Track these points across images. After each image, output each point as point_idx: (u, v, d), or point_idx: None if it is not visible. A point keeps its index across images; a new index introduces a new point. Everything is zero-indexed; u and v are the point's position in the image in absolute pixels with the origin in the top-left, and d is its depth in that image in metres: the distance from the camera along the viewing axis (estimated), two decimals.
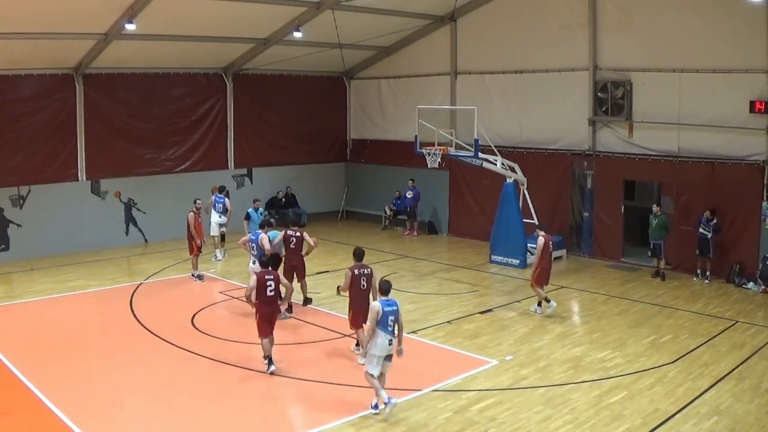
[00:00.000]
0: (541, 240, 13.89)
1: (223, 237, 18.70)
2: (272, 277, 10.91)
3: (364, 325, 10.63)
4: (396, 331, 9.51)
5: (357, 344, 11.59)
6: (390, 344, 9.49)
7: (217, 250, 18.65)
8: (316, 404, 10.01)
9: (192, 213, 16.31)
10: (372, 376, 9.48)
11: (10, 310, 14.35)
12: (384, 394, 9.38)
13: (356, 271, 10.97)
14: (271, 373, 10.74)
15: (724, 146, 16.46)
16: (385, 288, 9.76)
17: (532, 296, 15.07)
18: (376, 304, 9.54)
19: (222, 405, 9.82)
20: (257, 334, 10.91)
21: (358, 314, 11.00)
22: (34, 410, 9.59)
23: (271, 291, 10.79)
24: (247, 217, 17.04)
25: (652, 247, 16.88)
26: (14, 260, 18.17)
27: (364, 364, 10.03)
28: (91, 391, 10.30)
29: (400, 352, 9.54)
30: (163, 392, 10.31)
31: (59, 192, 19.18)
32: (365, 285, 11.01)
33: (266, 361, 10.86)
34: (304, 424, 9.62)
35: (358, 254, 11.14)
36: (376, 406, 9.49)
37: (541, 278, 13.99)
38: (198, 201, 16.89)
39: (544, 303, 14.01)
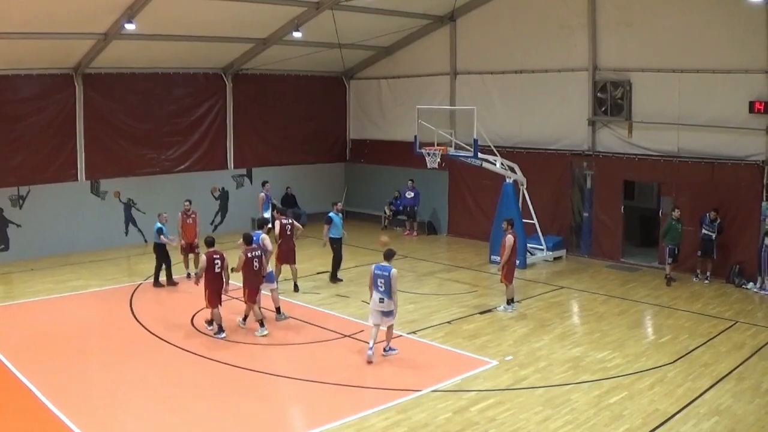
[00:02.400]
0: (510, 238, 14.10)
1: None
2: (219, 256, 12.47)
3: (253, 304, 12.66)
4: (386, 291, 11.20)
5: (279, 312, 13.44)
6: (381, 302, 11.27)
7: None
8: (316, 404, 10.02)
9: (180, 213, 16.48)
10: (372, 325, 11.44)
11: (10, 310, 14.35)
12: (371, 343, 11.34)
13: (249, 254, 12.56)
14: (223, 338, 12.32)
15: (724, 146, 16.47)
16: (385, 255, 11.56)
17: (532, 296, 15.12)
18: (371, 268, 11.43)
19: (222, 405, 9.82)
20: (207, 306, 12.50)
21: (252, 291, 12.68)
22: (34, 410, 9.59)
23: (218, 268, 12.43)
24: (329, 221, 16.26)
25: (677, 252, 16.19)
26: (14, 260, 18.17)
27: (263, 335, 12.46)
28: (91, 391, 10.31)
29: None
30: (163, 392, 10.31)
31: (59, 192, 19.18)
32: (257, 266, 12.61)
33: (218, 329, 12.47)
34: (304, 424, 9.64)
35: (247, 239, 12.95)
36: (371, 348, 11.31)
37: (510, 275, 14.14)
38: (186, 202, 16.86)
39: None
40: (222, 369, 11.14)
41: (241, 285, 12.80)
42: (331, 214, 16.35)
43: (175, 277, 16.10)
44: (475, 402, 9.86)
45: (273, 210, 14.47)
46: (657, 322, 13.75)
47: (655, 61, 17.30)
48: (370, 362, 11.29)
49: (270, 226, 15.98)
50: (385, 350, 11.66)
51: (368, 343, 11.45)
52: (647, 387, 10.35)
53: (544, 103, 19.73)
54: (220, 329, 12.50)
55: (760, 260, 15.41)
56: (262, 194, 19.34)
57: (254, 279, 12.61)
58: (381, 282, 11.25)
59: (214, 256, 12.42)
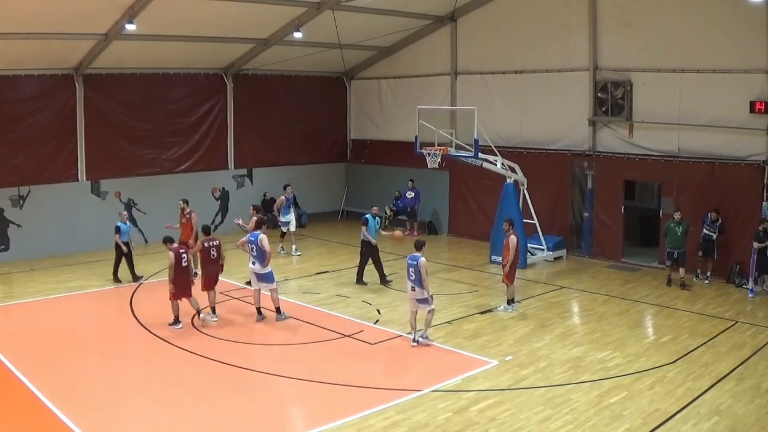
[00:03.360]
0: (514, 239, 14.13)
1: (282, 234, 19.34)
2: (184, 250, 13.12)
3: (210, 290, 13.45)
4: (417, 280, 11.84)
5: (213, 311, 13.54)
6: (413, 290, 11.98)
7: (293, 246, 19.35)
8: (316, 404, 10.01)
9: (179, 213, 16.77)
10: (411, 312, 12.18)
11: (9, 311, 14.36)
12: (414, 333, 12.09)
13: (206, 244, 13.40)
14: (180, 328, 12.76)
15: (724, 146, 16.46)
16: (416, 245, 12.27)
17: (533, 296, 15.12)
18: (425, 261, 11.92)
19: (222, 405, 9.82)
20: (169, 297, 12.88)
21: (209, 279, 13.45)
22: (34, 410, 9.59)
23: (185, 262, 12.84)
24: (365, 222, 16.16)
25: (675, 257, 15.81)
26: (14, 260, 18.18)
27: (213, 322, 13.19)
28: (91, 391, 10.31)
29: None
30: (163, 392, 10.32)
31: (59, 192, 19.19)
32: (215, 255, 13.43)
33: (177, 321, 12.87)
34: (304, 424, 9.63)
35: (206, 230, 13.83)
36: (415, 340, 12.05)
37: (512, 275, 14.18)
38: (180, 201, 17.00)
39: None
40: (222, 369, 11.13)
41: (243, 286, 12.83)
42: (367, 215, 16.18)
43: None
44: (476, 402, 9.85)
45: (262, 225, 13.92)
46: (657, 322, 13.75)
47: (655, 61, 17.29)
48: (414, 345, 12.02)
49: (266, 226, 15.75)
50: (422, 336, 12.12)
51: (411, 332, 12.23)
52: (647, 387, 10.34)
53: (544, 103, 19.72)
54: (177, 322, 12.89)
55: (751, 263, 15.39)
56: (283, 197, 19.24)
57: (211, 267, 13.44)
58: (411, 271, 11.86)
59: (181, 251, 12.93)
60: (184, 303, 13.04)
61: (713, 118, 16.50)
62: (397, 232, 15.51)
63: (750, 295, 15.20)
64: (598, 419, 9.29)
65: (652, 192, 19.24)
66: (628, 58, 17.85)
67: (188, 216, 16.68)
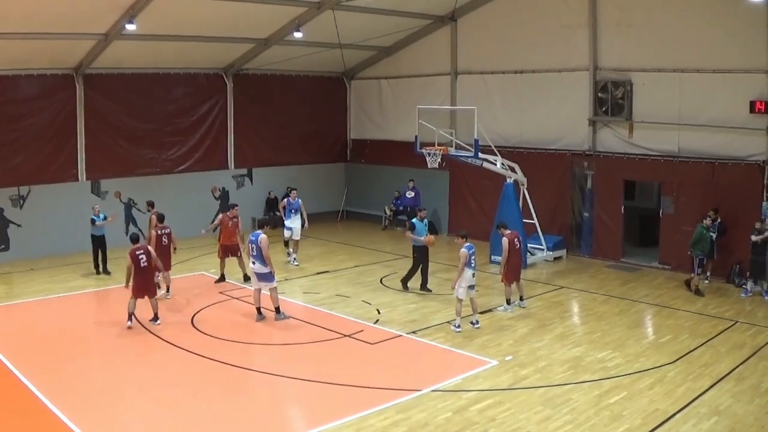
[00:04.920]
0: (505, 240, 14.12)
1: (286, 243, 18.48)
2: (143, 250, 13.16)
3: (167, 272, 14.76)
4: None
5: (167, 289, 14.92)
6: (473, 276, 12.98)
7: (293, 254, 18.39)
8: (316, 404, 10.02)
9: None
10: (460, 301, 12.84)
11: (9, 310, 14.36)
12: (470, 318, 13.07)
13: (158, 232, 14.78)
14: (129, 328, 12.81)
15: (725, 146, 16.46)
16: (464, 235, 13.30)
17: (533, 296, 15.11)
18: (464, 251, 12.82)
19: (222, 405, 9.82)
20: (130, 296, 13.00)
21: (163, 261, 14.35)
22: (34, 410, 9.59)
23: (144, 263, 13.06)
24: (412, 227, 15.62)
25: (705, 262, 15.46)
26: (14, 260, 18.19)
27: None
28: (91, 391, 10.31)
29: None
30: (163, 392, 10.32)
31: (59, 192, 19.19)
32: (166, 241, 14.84)
33: (129, 319, 12.92)
34: (304, 424, 9.64)
35: (161, 218, 15.12)
36: (458, 326, 12.83)
37: (510, 275, 14.19)
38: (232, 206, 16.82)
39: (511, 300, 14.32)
40: (222, 369, 11.13)
41: (243, 286, 12.81)
42: (414, 220, 15.72)
43: (180, 276, 16.17)
44: (475, 402, 9.86)
45: (264, 225, 13.82)
46: (657, 322, 13.75)
47: (655, 61, 17.30)
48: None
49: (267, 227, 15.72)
50: (472, 323, 13.06)
51: (456, 321, 12.93)
52: (647, 387, 10.34)
53: (544, 103, 19.73)
54: (131, 318, 13.03)
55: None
56: (285, 200, 18.36)
57: (163, 252, 14.60)
58: (473, 258, 12.93)
59: (137, 252, 13.04)
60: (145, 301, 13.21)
61: (713, 118, 16.50)
62: (431, 237, 15.48)
63: (743, 295, 15.19)
64: (598, 419, 9.29)
65: (652, 192, 19.23)
66: (628, 57, 17.85)
67: (235, 219, 16.32)
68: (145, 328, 13.07)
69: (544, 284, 16.46)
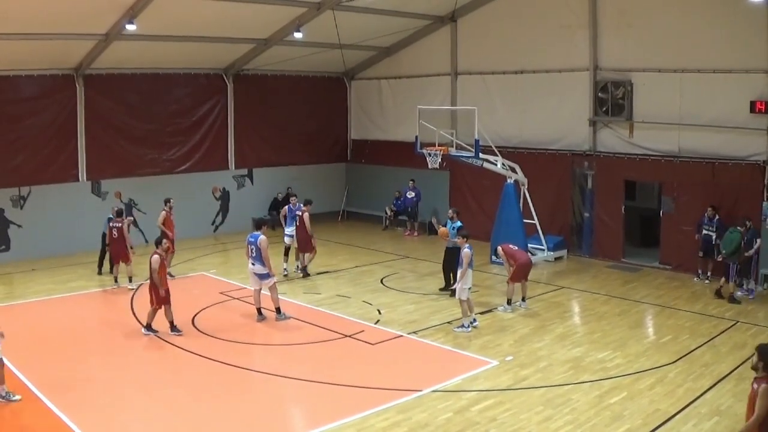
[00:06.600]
0: (500, 251, 14.57)
1: (286, 251, 17.46)
2: (119, 224, 15.69)
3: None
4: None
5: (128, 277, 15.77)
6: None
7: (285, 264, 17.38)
8: (317, 404, 10.02)
9: (164, 211, 16.73)
10: (463, 302, 12.86)
11: (10, 311, 14.33)
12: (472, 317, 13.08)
13: (111, 224, 15.91)
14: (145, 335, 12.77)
15: (725, 146, 16.45)
16: (466, 235, 13.35)
17: (533, 296, 15.10)
18: (468, 252, 12.74)
19: (222, 405, 9.82)
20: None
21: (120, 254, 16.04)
22: (34, 410, 9.59)
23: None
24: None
25: (739, 269, 14.82)
26: (15, 260, 18.18)
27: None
28: (92, 391, 10.31)
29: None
30: (163, 392, 10.32)
31: (60, 192, 19.19)
32: (116, 234, 15.89)
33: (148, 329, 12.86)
34: (304, 424, 9.64)
35: (119, 212, 16.26)
36: (463, 326, 12.86)
37: (517, 275, 14.24)
38: (171, 200, 17.15)
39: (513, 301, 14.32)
40: (222, 369, 11.13)
41: (244, 286, 12.80)
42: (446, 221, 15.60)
43: (180, 277, 16.38)
44: (476, 402, 9.85)
45: (263, 225, 13.76)
46: (658, 322, 13.74)
47: (656, 61, 17.29)
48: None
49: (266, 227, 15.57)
50: (470, 322, 13.12)
51: (465, 321, 12.97)
52: (648, 387, 10.34)
53: (545, 103, 19.72)
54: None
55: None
56: (285, 208, 17.57)
57: (117, 244, 16.04)
58: (473, 259, 13.07)
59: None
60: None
61: (713, 118, 16.50)
62: (443, 228, 15.37)
63: (737, 293, 15.11)
64: (599, 419, 9.29)
65: (652, 192, 19.23)
66: (628, 58, 17.85)
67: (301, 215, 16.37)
68: (145, 328, 13.06)
69: (545, 284, 16.45)
